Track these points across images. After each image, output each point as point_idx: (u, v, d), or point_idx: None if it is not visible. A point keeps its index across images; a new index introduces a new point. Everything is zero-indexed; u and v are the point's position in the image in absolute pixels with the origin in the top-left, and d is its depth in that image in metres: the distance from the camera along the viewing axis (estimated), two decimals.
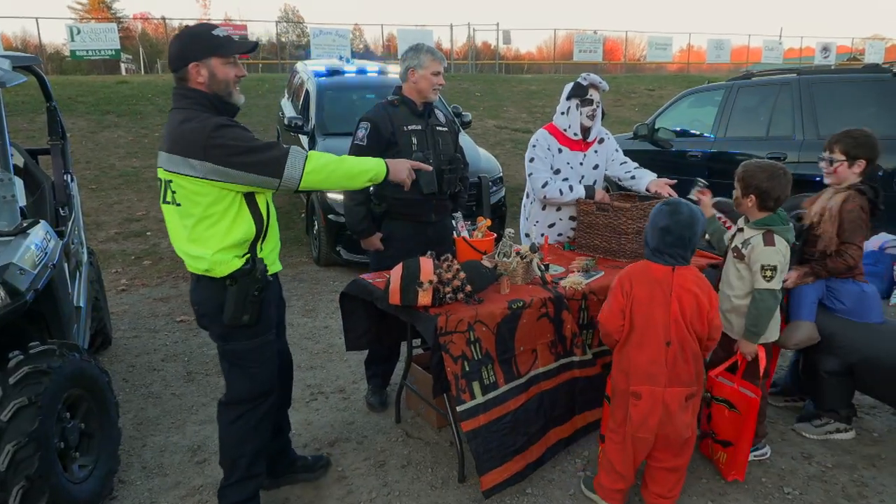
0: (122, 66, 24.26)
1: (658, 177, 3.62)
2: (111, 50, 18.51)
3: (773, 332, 2.74)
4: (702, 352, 2.39)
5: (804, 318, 2.93)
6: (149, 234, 6.98)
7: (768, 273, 2.59)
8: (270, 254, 2.32)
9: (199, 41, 2.14)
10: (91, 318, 3.75)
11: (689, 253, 2.36)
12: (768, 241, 2.61)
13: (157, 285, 5.66)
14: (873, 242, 5.13)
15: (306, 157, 2.13)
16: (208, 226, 2.13)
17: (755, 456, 2.86)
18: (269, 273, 2.28)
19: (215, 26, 2.20)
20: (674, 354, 2.31)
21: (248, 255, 2.19)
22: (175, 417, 3.38)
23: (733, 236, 2.82)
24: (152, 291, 5.49)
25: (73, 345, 2.60)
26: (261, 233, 2.22)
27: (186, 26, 2.40)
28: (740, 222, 2.81)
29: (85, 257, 3.96)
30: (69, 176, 3.94)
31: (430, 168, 2.58)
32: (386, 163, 2.34)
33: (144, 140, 10.07)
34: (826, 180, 3.05)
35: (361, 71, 7.64)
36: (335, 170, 2.18)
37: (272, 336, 2.37)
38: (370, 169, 2.28)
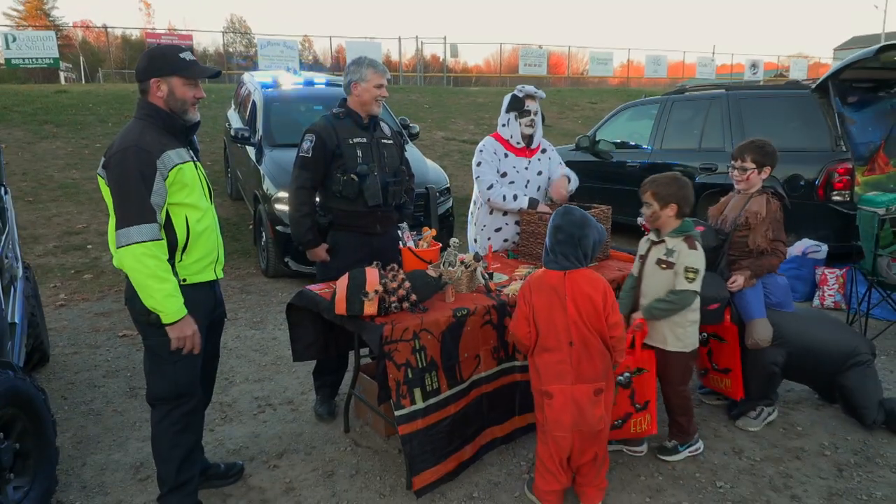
0: (62, 74, 23.36)
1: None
2: (49, 58, 17.79)
3: (692, 340, 2.87)
4: (609, 350, 2.48)
5: (758, 316, 3.09)
6: (89, 247, 6.73)
7: (690, 275, 2.73)
8: (195, 264, 2.39)
9: (164, 60, 2.31)
10: (27, 335, 3.59)
11: (580, 253, 2.45)
12: (691, 245, 2.76)
13: (98, 300, 5.46)
14: (797, 248, 5.42)
15: (142, 241, 2.16)
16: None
17: (689, 452, 2.97)
18: (191, 281, 2.38)
19: (184, 49, 2.38)
20: (577, 354, 2.42)
21: None
22: (117, 435, 3.27)
23: (648, 250, 2.92)
24: (93, 306, 5.30)
25: (7, 363, 2.50)
26: (176, 247, 2.31)
27: (158, 44, 2.55)
28: (652, 236, 2.91)
29: (20, 272, 3.80)
30: (3, 188, 3.79)
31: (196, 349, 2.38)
32: (179, 319, 2.25)
33: (85, 151, 9.72)
34: (737, 186, 3.26)
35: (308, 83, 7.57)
36: (146, 273, 2.18)
37: None
38: (163, 306, 2.21)
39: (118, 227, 2.17)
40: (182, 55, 2.33)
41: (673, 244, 2.79)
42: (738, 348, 3.19)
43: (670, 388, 2.92)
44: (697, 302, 2.83)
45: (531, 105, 3.67)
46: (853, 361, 3.16)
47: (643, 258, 2.95)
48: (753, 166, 3.15)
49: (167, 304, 2.22)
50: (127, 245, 2.16)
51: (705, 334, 3.25)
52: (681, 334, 2.84)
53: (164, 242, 2.25)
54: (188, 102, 2.34)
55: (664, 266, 2.81)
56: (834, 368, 3.20)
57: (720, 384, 3.36)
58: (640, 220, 3.54)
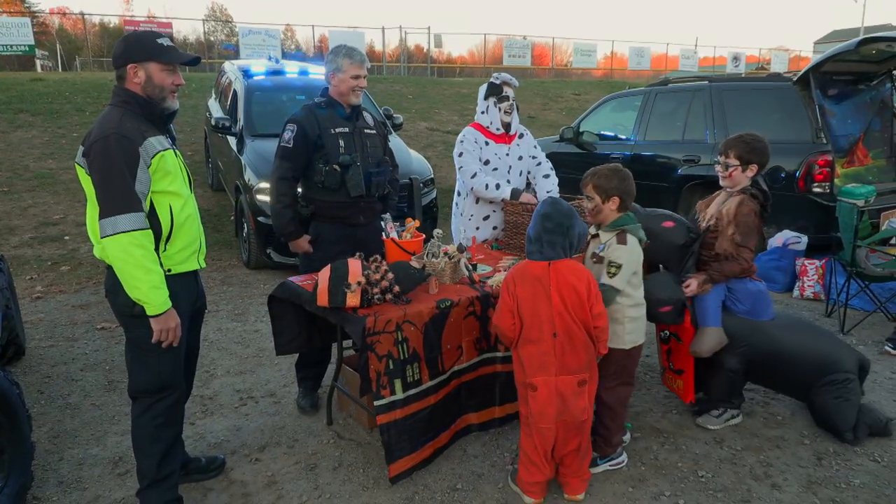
0: (38, 62, 22.87)
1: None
2: (24, 45, 17.40)
3: (633, 338, 2.72)
4: (593, 341, 2.47)
5: (710, 324, 2.99)
6: (67, 238, 6.61)
7: (612, 270, 2.61)
8: (178, 254, 2.35)
9: (141, 45, 2.26)
10: (1, 328, 3.51)
11: (566, 243, 2.43)
12: (620, 240, 2.63)
13: (75, 292, 5.37)
14: (777, 239, 5.47)
15: (129, 230, 2.10)
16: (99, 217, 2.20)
17: (609, 466, 2.81)
18: (175, 271, 2.34)
19: (161, 35, 2.32)
20: (561, 345, 2.41)
21: None
22: (95, 429, 3.22)
23: (587, 244, 2.82)
24: (70, 298, 5.21)
25: None
26: (160, 236, 2.27)
27: (135, 30, 2.48)
28: (591, 230, 2.81)
29: None
30: None
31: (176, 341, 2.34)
32: (164, 311, 2.22)
33: (62, 140, 9.53)
34: (721, 183, 3.12)
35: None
36: (133, 264, 2.13)
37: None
38: (148, 297, 2.17)
39: (103, 216, 2.12)
40: (159, 41, 2.28)
41: (606, 238, 2.69)
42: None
43: (600, 385, 2.64)
44: (639, 297, 2.72)
45: (508, 91, 3.71)
46: (829, 379, 3.00)
47: (583, 253, 2.84)
48: (737, 163, 3.00)
49: (153, 295, 2.18)
50: (113, 234, 2.10)
51: (668, 332, 3.20)
52: (619, 331, 2.66)
53: (151, 232, 2.20)
54: (166, 89, 2.28)
55: (595, 260, 2.71)
56: (807, 382, 3.06)
57: (674, 385, 3.31)
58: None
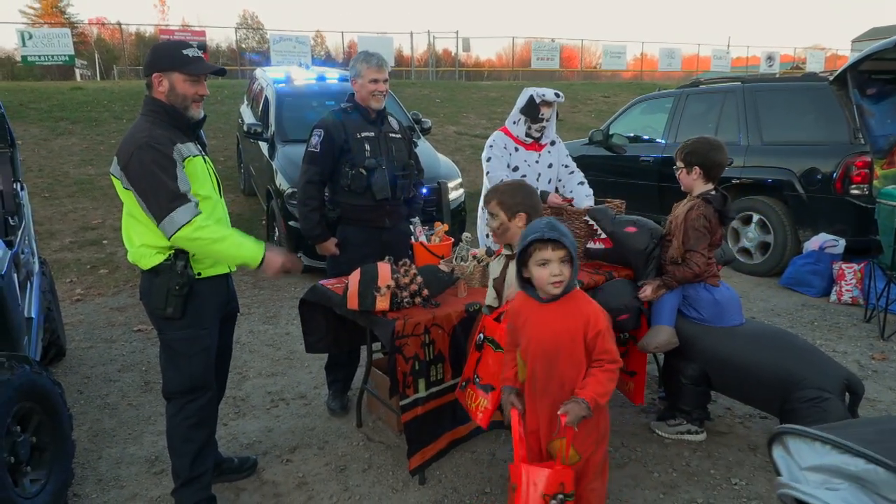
0: (77, 71, 23.56)
1: (595, 195, 3.74)
2: (65, 55, 17.91)
3: None
4: None
5: (663, 323, 2.94)
6: (105, 242, 6.79)
7: None
8: (208, 258, 2.39)
9: (167, 55, 2.31)
10: (43, 329, 3.63)
11: None
12: None
13: (113, 294, 5.51)
14: (814, 242, 5.35)
15: (188, 221, 2.18)
16: (135, 223, 2.31)
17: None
18: (205, 274, 2.39)
19: (189, 45, 2.37)
20: None
21: (171, 252, 2.29)
22: (132, 428, 3.30)
23: (506, 266, 2.58)
24: (109, 301, 5.35)
25: (24, 357, 2.52)
26: None
27: (167, 39, 2.54)
28: (506, 251, 2.59)
29: (37, 267, 3.84)
30: (19, 184, 3.83)
31: (300, 268, 2.59)
32: (264, 256, 2.34)
33: (100, 147, 9.80)
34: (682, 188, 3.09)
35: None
36: (208, 245, 2.25)
37: (204, 332, 2.43)
38: (242, 257, 2.32)
39: (159, 220, 2.18)
40: (185, 51, 2.31)
41: None
42: (644, 353, 3.07)
43: None
44: None
45: (545, 112, 3.64)
46: (797, 396, 2.68)
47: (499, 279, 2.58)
48: (681, 165, 3.00)
49: (241, 254, 2.30)
50: (176, 232, 2.18)
51: (627, 334, 3.14)
52: None
53: (205, 213, 2.27)
54: (189, 99, 2.32)
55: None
56: (772, 397, 2.80)
57: (624, 386, 3.25)
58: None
